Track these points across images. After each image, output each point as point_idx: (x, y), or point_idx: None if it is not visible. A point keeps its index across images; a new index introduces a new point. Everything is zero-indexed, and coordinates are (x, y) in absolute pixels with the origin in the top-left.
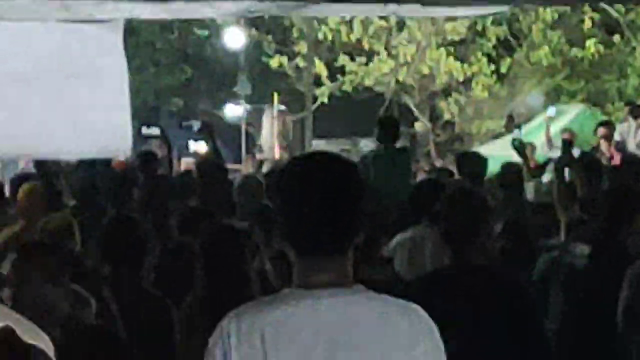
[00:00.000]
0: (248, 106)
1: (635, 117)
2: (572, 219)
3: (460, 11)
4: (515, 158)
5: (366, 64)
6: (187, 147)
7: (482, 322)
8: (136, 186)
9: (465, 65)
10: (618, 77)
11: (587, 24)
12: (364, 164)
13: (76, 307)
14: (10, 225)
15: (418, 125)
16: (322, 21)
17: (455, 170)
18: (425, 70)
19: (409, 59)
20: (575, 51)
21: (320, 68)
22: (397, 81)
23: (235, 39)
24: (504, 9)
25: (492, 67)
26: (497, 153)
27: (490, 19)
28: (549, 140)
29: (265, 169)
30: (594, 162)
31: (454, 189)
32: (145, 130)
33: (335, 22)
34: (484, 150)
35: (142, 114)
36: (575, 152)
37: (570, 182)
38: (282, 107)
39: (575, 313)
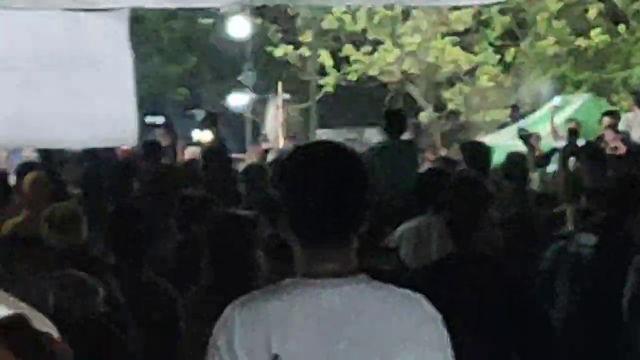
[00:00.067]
0: (253, 95)
1: None
2: (578, 209)
3: (465, 0)
4: (521, 148)
5: (371, 54)
6: (191, 136)
7: (487, 312)
8: (135, 176)
9: (471, 55)
10: (623, 66)
11: (592, 13)
12: (369, 155)
13: (82, 295)
14: (15, 215)
15: (423, 115)
16: (327, 10)
17: (460, 160)
18: (430, 60)
19: (414, 48)
20: (580, 41)
21: (325, 57)
22: (402, 71)
23: (240, 28)
24: None
25: (497, 56)
26: (502, 143)
27: (495, 8)
28: (554, 130)
29: (269, 158)
30: (599, 152)
31: (458, 179)
32: (149, 119)
33: (340, 12)
34: (489, 139)
35: (147, 103)
36: (581, 142)
37: (575, 172)
38: (287, 97)
39: (582, 303)
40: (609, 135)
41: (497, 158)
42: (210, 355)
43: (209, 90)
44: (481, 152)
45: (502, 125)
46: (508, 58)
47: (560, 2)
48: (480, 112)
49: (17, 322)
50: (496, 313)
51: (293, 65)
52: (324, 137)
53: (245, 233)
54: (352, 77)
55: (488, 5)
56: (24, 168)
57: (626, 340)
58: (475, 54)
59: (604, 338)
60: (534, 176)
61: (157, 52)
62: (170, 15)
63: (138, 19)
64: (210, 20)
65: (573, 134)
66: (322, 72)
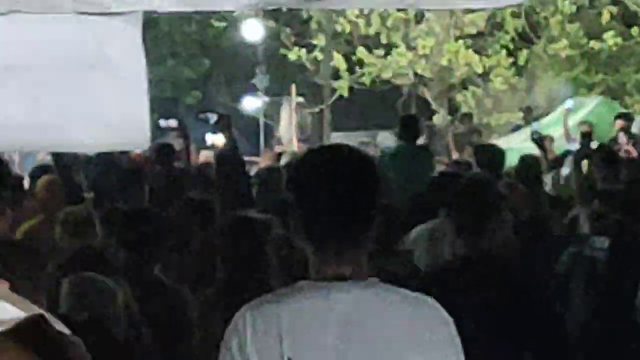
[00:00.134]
0: (266, 98)
1: None
2: (591, 211)
3: (478, 3)
4: (534, 150)
5: (384, 57)
6: (204, 139)
7: (496, 313)
8: (145, 180)
9: (484, 58)
10: (636, 69)
11: (606, 16)
12: (383, 159)
13: (99, 298)
14: (30, 219)
15: (436, 118)
16: (340, 13)
17: (473, 163)
18: (444, 63)
19: (427, 51)
20: (593, 44)
21: (339, 61)
22: (416, 74)
23: (253, 31)
24: (523, 1)
25: (511, 59)
26: (516, 145)
27: (508, 11)
28: (567, 133)
29: (283, 161)
30: (612, 155)
31: (467, 181)
32: (163, 122)
33: (354, 15)
34: (502, 142)
35: (160, 107)
36: (594, 145)
37: (588, 174)
38: (300, 100)
39: (596, 306)
40: (621, 137)
41: (511, 161)
42: (222, 357)
43: (222, 94)
44: (494, 155)
45: (515, 128)
46: (521, 61)
47: (574, 4)
48: (494, 115)
49: (38, 323)
50: (506, 315)
51: (306, 68)
52: (337, 141)
53: (258, 236)
54: (366, 80)
55: (502, 8)
56: (38, 171)
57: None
58: (489, 56)
59: (619, 341)
60: (547, 179)
61: (170, 55)
62: (183, 18)
63: (151, 23)
64: (223, 24)
65: (586, 136)
66: (336, 75)
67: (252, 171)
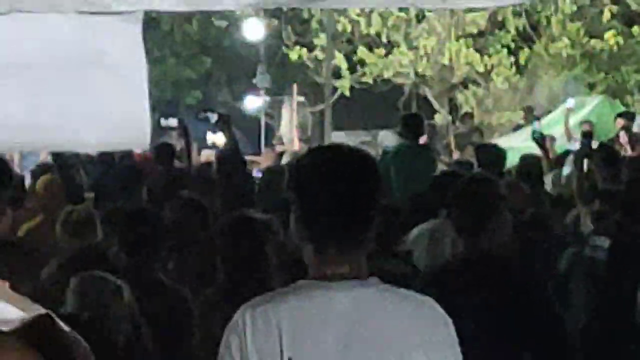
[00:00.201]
0: (267, 98)
1: None
2: (592, 211)
3: (480, 3)
4: (535, 150)
5: (386, 56)
6: (205, 138)
7: (495, 313)
8: (144, 180)
9: (485, 57)
10: (637, 68)
11: (607, 15)
12: (385, 157)
13: (107, 296)
14: (31, 219)
15: (437, 118)
16: (342, 13)
17: (474, 162)
18: (445, 62)
19: (428, 50)
20: (594, 43)
21: (340, 60)
22: (417, 73)
23: (254, 30)
24: (524, 0)
25: (512, 58)
26: (517, 145)
27: (509, 10)
28: (568, 132)
29: (284, 160)
30: (613, 154)
31: (467, 180)
32: (164, 122)
33: (355, 14)
34: (503, 142)
35: (161, 106)
36: (595, 144)
37: (589, 174)
38: (302, 99)
39: (596, 306)
40: (622, 137)
41: (512, 160)
42: (222, 357)
43: (223, 93)
44: (495, 155)
45: (516, 127)
46: (522, 60)
47: (575, 4)
48: (495, 114)
49: (44, 322)
50: (506, 315)
51: (307, 67)
52: (338, 140)
53: (258, 235)
54: (367, 79)
55: (502, 7)
56: (40, 169)
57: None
58: (490, 56)
59: (618, 341)
60: (548, 178)
61: (171, 54)
62: (184, 17)
63: (152, 22)
64: (224, 23)
65: (587, 136)
66: (337, 74)
67: (254, 171)
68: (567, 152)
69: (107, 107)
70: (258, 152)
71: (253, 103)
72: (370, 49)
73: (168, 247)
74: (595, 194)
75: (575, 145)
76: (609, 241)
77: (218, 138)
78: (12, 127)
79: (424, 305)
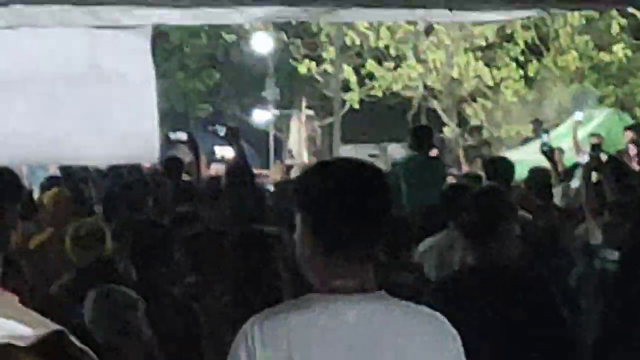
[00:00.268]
0: (276, 111)
1: None
2: (601, 223)
3: (488, 16)
4: (544, 163)
5: (394, 69)
6: (213, 152)
7: (505, 323)
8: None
9: (494, 70)
10: None
11: (615, 28)
12: (394, 168)
13: (124, 309)
14: (40, 233)
15: (446, 131)
16: (350, 26)
17: (483, 175)
18: (454, 75)
19: (437, 64)
20: (603, 55)
21: (349, 73)
22: (425, 86)
23: (263, 44)
24: (533, 13)
25: (520, 71)
26: (526, 158)
27: (518, 23)
28: (577, 145)
29: (293, 174)
30: (622, 167)
31: (477, 191)
32: (172, 135)
33: (363, 28)
34: (512, 155)
35: (170, 120)
36: (604, 157)
37: (598, 186)
38: (310, 112)
39: (607, 318)
40: (631, 149)
41: (520, 173)
42: None
43: (232, 106)
44: (504, 168)
45: (525, 140)
46: (531, 73)
47: (583, 17)
48: (503, 127)
49: (59, 338)
50: (516, 326)
51: (316, 81)
52: (347, 153)
53: (268, 248)
54: (376, 92)
55: (511, 21)
56: (50, 182)
57: None
58: (498, 69)
59: (630, 353)
60: (557, 191)
61: (180, 68)
62: (193, 31)
63: (161, 36)
64: (233, 37)
65: (596, 148)
66: (346, 87)
67: (265, 185)
68: (576, 165)
69: (116, 121)
70: (267, 166)
71: (262, 116)
72: (379, 62)
73: (178, 261)
74: (604, 207)
75: (584, 158)
76: (618, 253)
77: (227, 151)
78: (21, 140)
79: (433, 319)
